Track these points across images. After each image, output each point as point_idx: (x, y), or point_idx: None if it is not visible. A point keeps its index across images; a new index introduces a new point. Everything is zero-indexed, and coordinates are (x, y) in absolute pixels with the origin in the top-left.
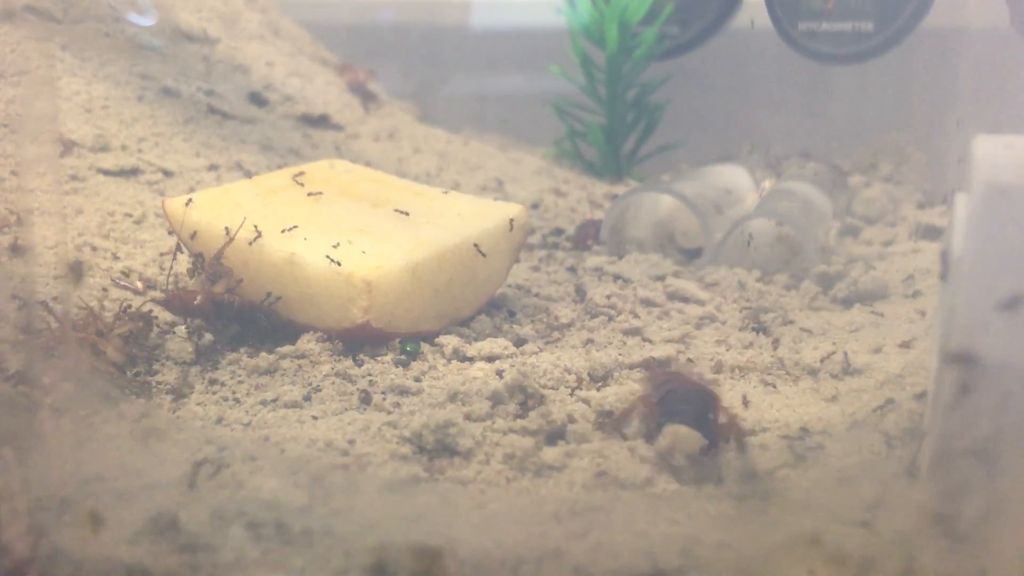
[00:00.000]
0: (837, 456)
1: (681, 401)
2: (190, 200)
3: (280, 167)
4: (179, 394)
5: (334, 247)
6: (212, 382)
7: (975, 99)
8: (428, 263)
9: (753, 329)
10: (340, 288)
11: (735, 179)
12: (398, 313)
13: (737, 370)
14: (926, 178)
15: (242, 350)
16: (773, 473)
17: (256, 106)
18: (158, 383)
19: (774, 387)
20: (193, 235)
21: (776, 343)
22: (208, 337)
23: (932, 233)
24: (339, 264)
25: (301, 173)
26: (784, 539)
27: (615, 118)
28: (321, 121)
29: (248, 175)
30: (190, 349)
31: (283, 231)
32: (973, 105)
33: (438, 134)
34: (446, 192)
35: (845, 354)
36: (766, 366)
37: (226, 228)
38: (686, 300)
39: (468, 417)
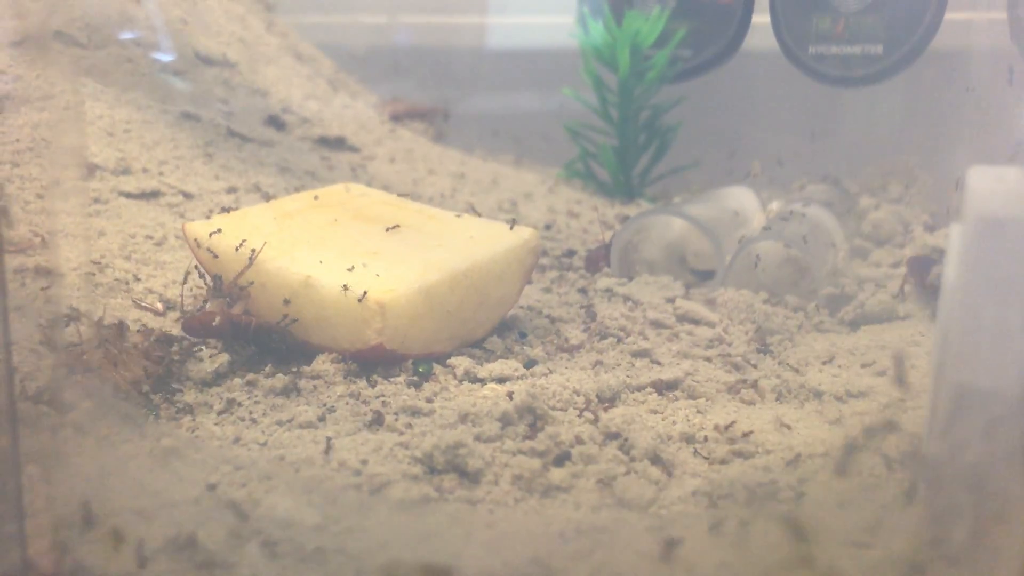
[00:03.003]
0: (837, 479)
1: None
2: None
3: (297, 189)
4: (197, 415)
5: (349, 270)
6: (230, 403)
7: (980, 122)
8: (440, 286)
9: (758, 351)
10: (354, 310)
11: (743, 201)
12: (411, 335)
13: (741, 392)
14: (934, 200)
15: (259, 371)
16: (776, 495)
17: (274, 129)
18: (178, 403)
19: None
20: (213, 256)
21: (781, 365)
22: (226, 358)
23: (939, 255)
24: (347, 289)
25: (317, 197)
26: (783, 559)
27: (627, 140)
28: (338, 143)
29: (266, 197)
30: (209, 370)
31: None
32: (978, 128)
33: (452, 155)
34: (459, 216)
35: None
36: (772, 388)
37: (252, 249)
38: (696, 322)
39: (478, 438)
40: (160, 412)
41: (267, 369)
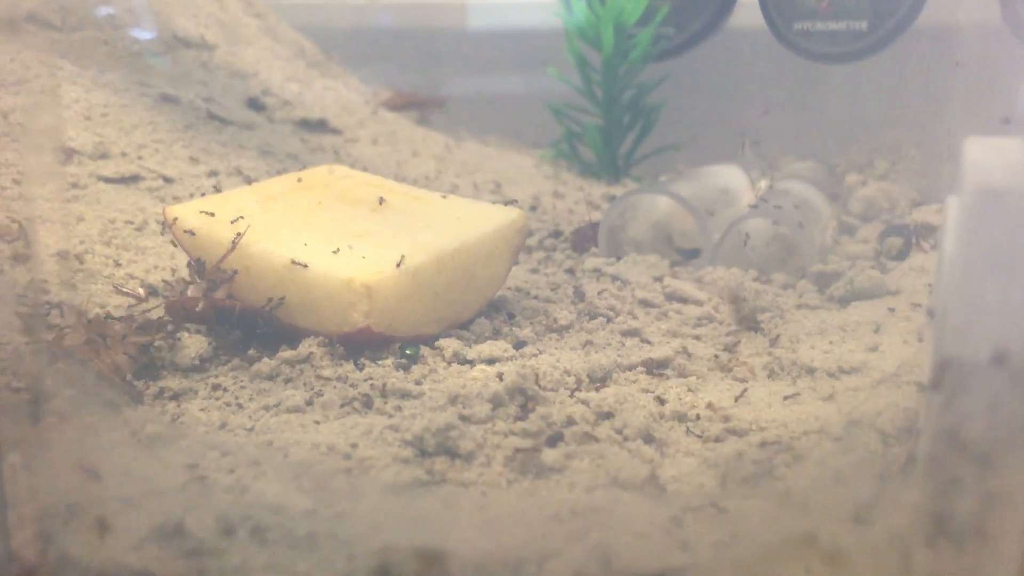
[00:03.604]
0: (834, 455)
1: None
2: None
3: (279, 172)
4: (183, 401)
5: (334, 252)
6: (215, 387)
7: (968, 97)
8: (427, 267)
9: (749, 328)
10: (341, 293)
11: (731, 179)
12: (398, 317)
13: (734, 369)
14: (922, 176)
15: (244, 355)
16: (772, 472)
17: (255, 111)
18: (162, 390)
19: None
20: (194, 239)
21: (773, 342)
22: (210, 343)
23: (928, 232)
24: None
25: (300, 179)
26: (782, 538)
27: (612, 119)
28: (319, 126)
29: (248, 181)
30: (192, 356)
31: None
32: (966, 103)
33: (436, 137)
34: (445, 196)
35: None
36: (764, 365)
37: (237, 233)
38: (684, 301)
39: (469, 420)
40: (144, 399)
41: (251, 353)
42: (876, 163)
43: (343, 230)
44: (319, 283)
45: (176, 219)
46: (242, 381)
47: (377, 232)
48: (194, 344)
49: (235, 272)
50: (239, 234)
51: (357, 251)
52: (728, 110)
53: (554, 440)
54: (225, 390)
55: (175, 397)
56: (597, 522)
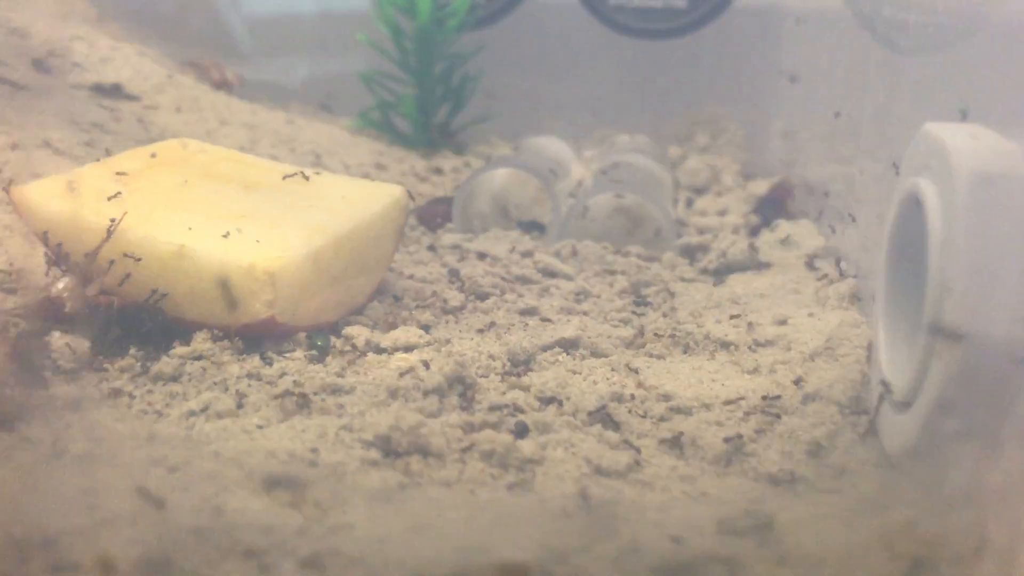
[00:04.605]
0: (804, 428)
1: None
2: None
3: (89, 144)
4: (83, 410)
5: (224, 237)
6: (115, 393)
7: (791, 74)
8: (327, 250)
9: (636, 303)
10: (239, 281)
11: (559, 151)
12: (300, 305)
13: (647, 345)
14: (743, 149)
15: (129, 355)
16: (742, 448)
17: (44, 74)
18: (50, 399)
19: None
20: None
21: (669, 316)
22: (85, 345)
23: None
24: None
25: (154, 154)
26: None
27: (426, 89)
28: (115, 91)
29: (61, 154)
30: (69, 361)
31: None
32: (789, 81)
33: (239, 104)
34: (319, 172)
35: None
36: (675, 341)
37: (111, 219)
38: (554, 275)
39: (429, 415)
40: (32, 412)
41: (133, 352)
42: (696, 136)
43: (222, 211)
44: (213, 271)
45: (26, 201)
46: (144, 384)
47: (260, 213)
48: (69, 347)
49: (112, 263)
50: (113, 219)
51: (248, 234)
52: (544, 82)
53: (523, 431)
54: (131, 396)
55: (73, 407)
56: (615, 515)
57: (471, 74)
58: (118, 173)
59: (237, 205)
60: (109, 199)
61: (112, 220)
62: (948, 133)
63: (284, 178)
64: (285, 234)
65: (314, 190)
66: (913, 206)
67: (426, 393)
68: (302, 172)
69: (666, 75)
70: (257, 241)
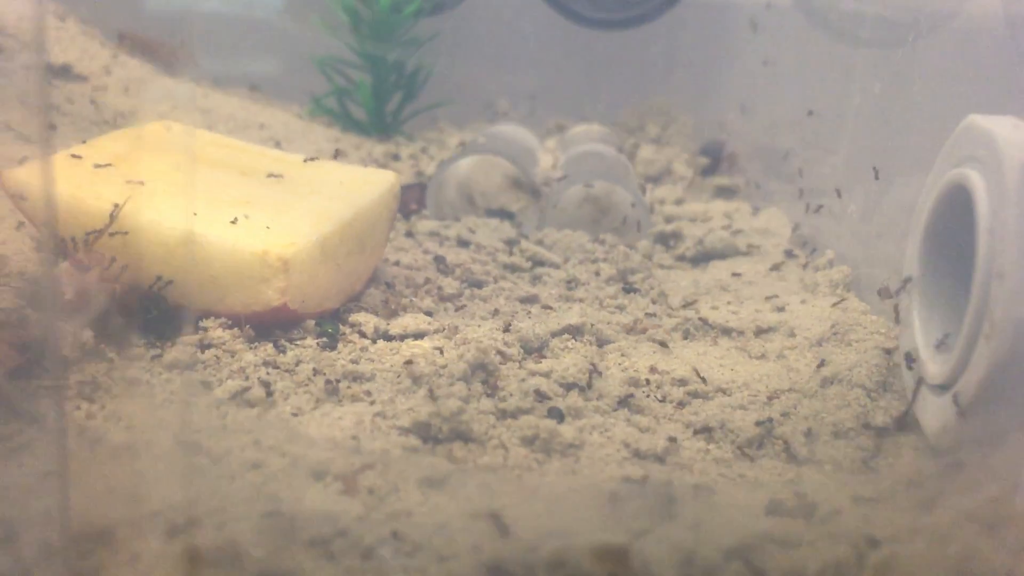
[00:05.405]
0: (829, 411)
1: None
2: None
3: (50, 127)
4: (99, 401)
5: (232, 223)
6: (132, 383)
7: (745, 65)
8: (333, 237)
9: (624, 290)
10: (252, 268)
11: (525, 139)
12: (309, 292)
13: (648, 331)
14: (693, 140)
15: (137, 345)
16: (772, 430)
17: None
18: (63, 390)
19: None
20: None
21: (659, 302)
22: (89, 333)
23: (725, 193)
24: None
25: (140, 137)
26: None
27: (381, 76)
28: (64, 72)
29: (24, 138)
30: (73, 350)
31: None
32: (741, 70)
33: (189, 86)
34: (314, 158)
35: None
36: (674, 327)
37: (115, 204)
38: (542, 264)
39: (465, 400)
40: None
41: (146, 342)
42: (647, 126)
43: (224, 197)
44: (223, 258)
45: (19, 184)
46: (160, 373)
47: (264, 199)
48: (71, 337)
49: (113, 259)
50: (116, 204)
51: (256, 221)
52: (497, 71)
53: (559, 416)
54: (151, 385)
55: (89, 398)
56: (670, 497)
57: (424, 62)
58: (99, 165)
59: (237, 191)
60: (127, 182)
61: (115, 205)
62: (995, 125)
63: (305, 161)
64: (294, 220)
65: (311, 176)
66: (955, 196)
67: (453, 380)
68: (311, 158)
69: (619, 65)
70: (267, 227)
